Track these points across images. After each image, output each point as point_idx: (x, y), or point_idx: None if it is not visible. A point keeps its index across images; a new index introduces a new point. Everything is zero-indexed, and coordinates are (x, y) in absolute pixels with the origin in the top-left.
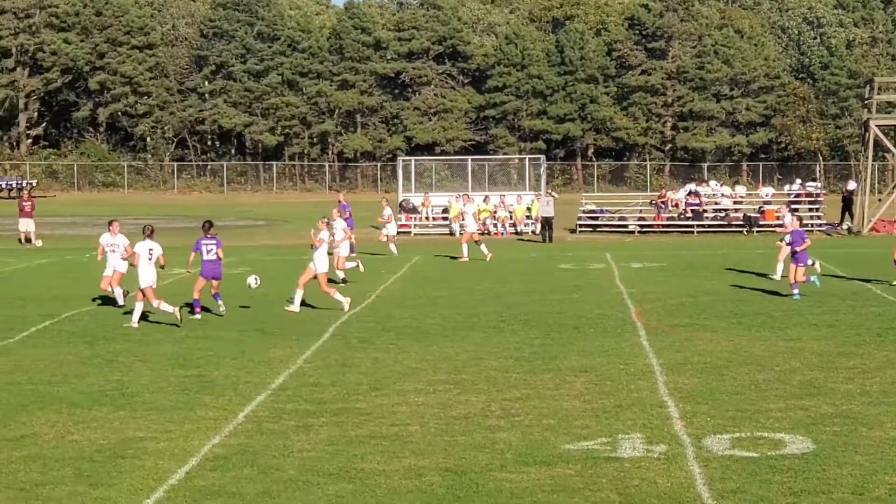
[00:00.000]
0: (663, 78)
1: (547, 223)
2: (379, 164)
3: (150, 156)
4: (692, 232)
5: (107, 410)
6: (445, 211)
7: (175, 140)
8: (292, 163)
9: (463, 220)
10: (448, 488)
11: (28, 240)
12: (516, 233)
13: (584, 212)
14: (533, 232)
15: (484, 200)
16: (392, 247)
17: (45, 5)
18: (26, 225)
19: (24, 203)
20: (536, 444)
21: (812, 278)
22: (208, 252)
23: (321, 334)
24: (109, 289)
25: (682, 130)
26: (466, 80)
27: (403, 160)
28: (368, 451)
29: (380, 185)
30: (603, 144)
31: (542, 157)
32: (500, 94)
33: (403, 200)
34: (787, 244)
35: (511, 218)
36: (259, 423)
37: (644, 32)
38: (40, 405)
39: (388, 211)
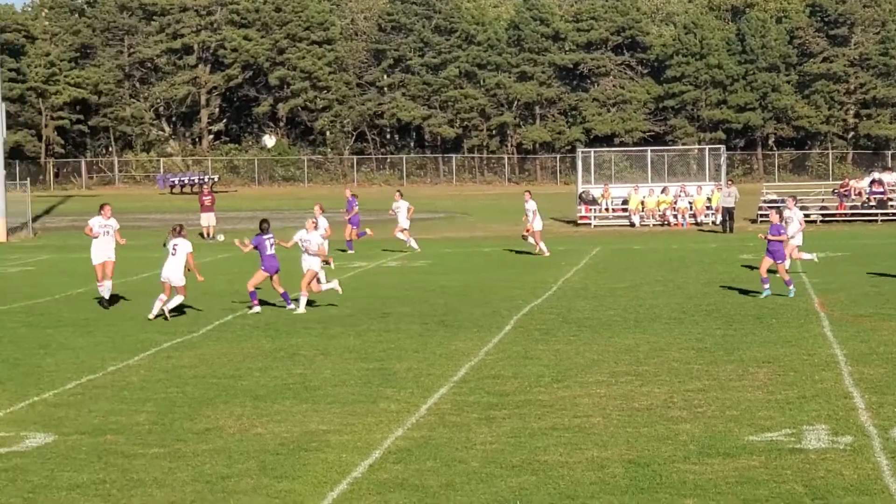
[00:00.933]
0: (846, 65)
1: (728, 213)
2: (558, 156)
3: (329, 150)
4: (876, 221)
5: (290, 404)
6: (625, 202)
7: (354, 134)
8: (471, 155)
9: (528, 217)
10: (631, 480)
11: (209, 234)
12: (696, 223)
13: (764, 201)
14: (713, 222)
15: (662, 191)
16: (405, 238)
17: (226, 2)
18: (207, 220)
19: (205, 198)
20: (720, 435)
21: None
22: (271, 247)
23: (502, 326)
24: (101, 285)
25: (865, 118)
26: (645, 71)
27: (583, 152)
28: (551, 442)
29: (559, 176)
30: (784, 133)
31: (722, 147)
32: (679, 84)
33: (583, 192)
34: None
35: (691, 208)
36: (441, 415)
37: (826, 19)
38: (225, 399)
39: (400, 205)
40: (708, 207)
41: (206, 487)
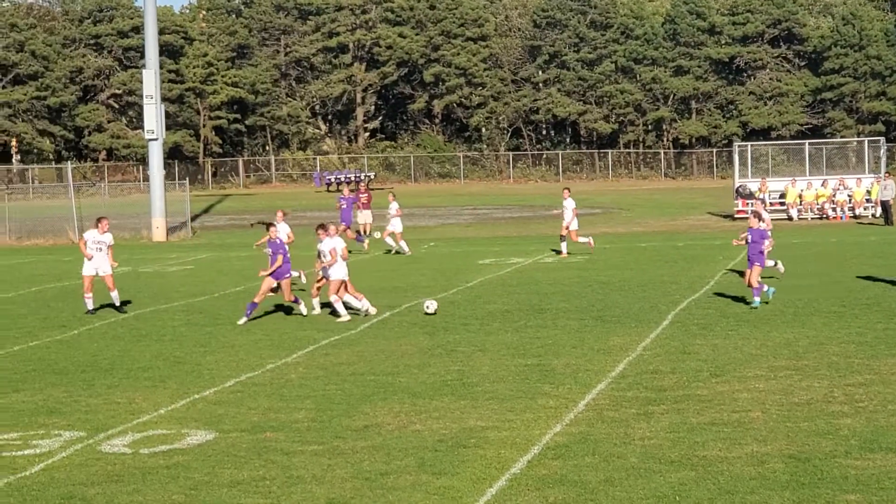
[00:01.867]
0: None
1: (885, 206)
2: (714, 150)
3: (485, 146)
4: None
5: (448, 400)
6: (783, 196)
7: (510, 130)
8: (627, 150)
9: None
10: (791, 475)
11: (366, 232)
12: (855, 216)
13: None
14: (872, 215)
15: (822, 185)
16: (389, 240)
17: (380, 0)
18: (364, 217)
19: (361, 195)
20: (882, 430)
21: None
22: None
23: (660, 321)
24: (87, 297)
25: None
26: (802, 63)
27: (739, 145)
28: (710, 438)
29: (715, 171)
30: None
31: (882, 139)
32: (837, 76)
33: (740, 186)
34: (747, 242)
35: (850, 201)
36: (600, 411)
37: None
38: (383, 395)
39: (394, 206)
40: (867, 200)
41: (365, 484)
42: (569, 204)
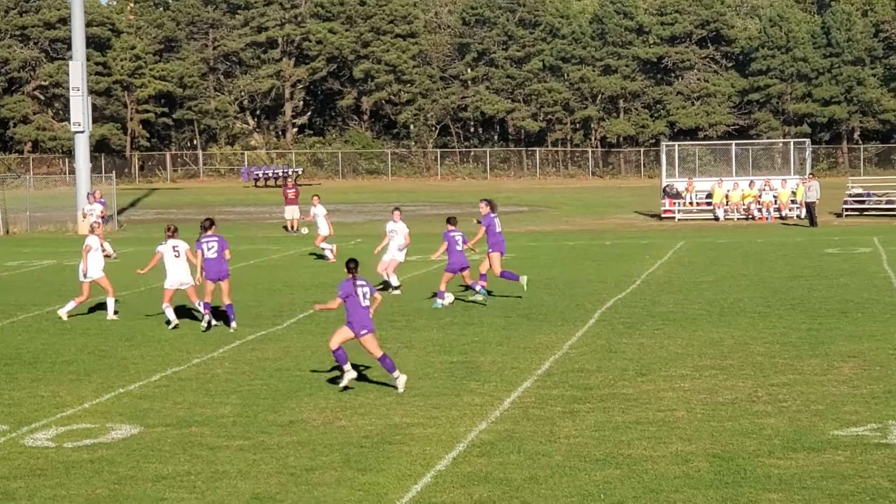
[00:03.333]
0: None
1: (810, 208)
2: (642, 150)
3: (413, 143)
4: None
5: (374, 396)
6: (709, 196)
7: (438, 127)
8: (555, 148)
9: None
10: (716, 474)
11: (293, 227)
12: (781, 217)
13: (850, 195)
14: (798, 216)
15: (749, 185)
16: (326, 247)
17: None
18: (292, 213)
19: (289, 191)
20: (804, 429)
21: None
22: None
23: (586, 320)
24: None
25: None
26: (730, 64)
27: (667, 145)
28: (635, 436)
29: (643, 170)
30: (870, 127)
31: (807, 141)
32: (765, 77)
33: (667, 186)
34: None
35: (776, 202)
36: (525, 408)
37: None
38: (309, 391)
39: (316, 210)
40: (793, 201)
41: (291, 479)
42: (319, 211)
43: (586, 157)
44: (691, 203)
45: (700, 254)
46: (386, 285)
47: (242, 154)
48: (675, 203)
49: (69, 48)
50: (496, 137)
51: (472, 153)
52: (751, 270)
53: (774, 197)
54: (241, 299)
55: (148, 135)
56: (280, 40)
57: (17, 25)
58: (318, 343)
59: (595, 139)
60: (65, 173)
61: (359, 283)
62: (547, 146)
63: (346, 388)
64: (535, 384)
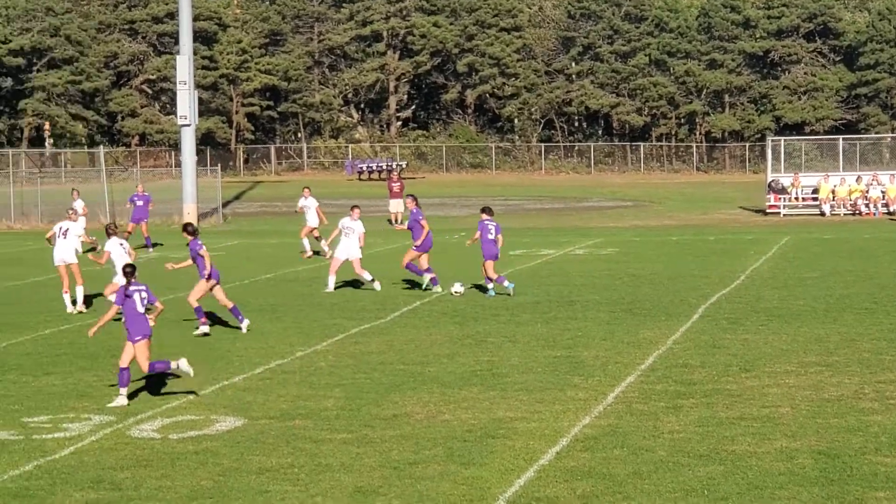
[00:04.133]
0: None
1: None
2: (747, 145)
3: (517, 137)
4: None
5: (477, 391)
6: (815, 191)
7: (542, 121)
8: (659, 143)
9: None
10: (821, 471)
11: (397, 220)
12: (888, 213)
13: None
14: None
15: (856, 180)
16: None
17: None
18: (396, 206)
19: (394, 184)
20: None
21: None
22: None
23: (690, 315)
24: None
25: None
26: (837, 58)
27: (773, 140)
28: (739, 432)
29: (748, 165)
30: None
31: None
32: (873, 71)
33: (773, 181)
34: None
35: (883, 198)
36: (629, 403)
37: None
38: (412, 385)
39: (306, 202)
40: None
41: (394, 473)
42: (310, 203)
43: (691, 151)
44: (797, 198)
45: (805, 249)
46: (359, 283)
47: (346, 147)
48: (780, 198)
49: (176, 42)
50: (600, 132)
51: (577, 148)
52: (857, 266)
53: (882, 192)
54: (346, 293)
55: (253, 128)
56: (385, 34)
57: (125, 20)
58: (422, 337)
59: (700, 134)
60: (171, 166)
61: (134, 288)
62: (651, 141)
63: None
64: (638, 379)
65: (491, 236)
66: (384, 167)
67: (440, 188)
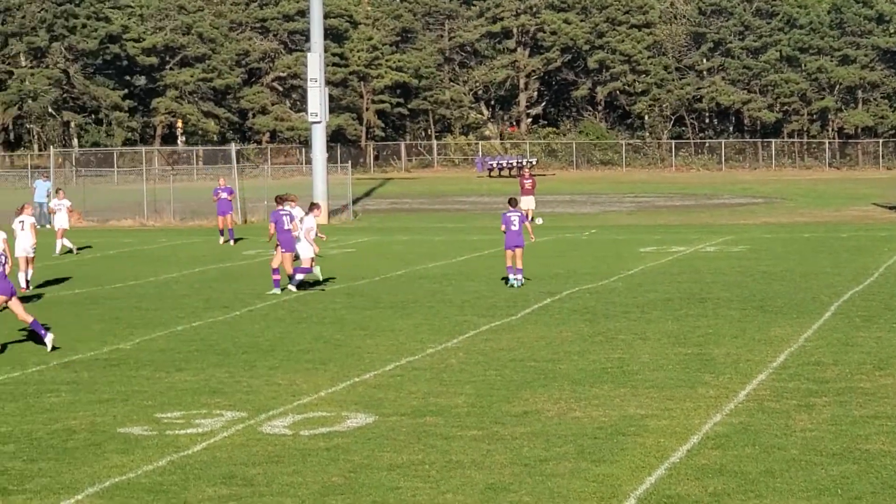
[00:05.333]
0: None
1: None
2: (881, 141)
3: (647, 134)
4: None
5: (608, 388)
6: None
7: (672, 118)
8: (791, 140)
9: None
10: None
11: (528, 217)
12: None
13: None
14: None
15: None
16: (65, 242)
17: None
18: (527, 203)
19: (525, 181)
20: None
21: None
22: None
23: (822, 313)
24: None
25: None
26: None
27: None
28: (873, 431)
29: (881, 161)
30: None
31: None
32: None
33: None
34: None
35: None
36: (760, 401)
37: None
38: (543, 382)
39: (56, 202)
40: None
41: (524, 470)
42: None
43: (823, 148)
44: None
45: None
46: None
47: (476, 144)
48: None
49: (307, 40)
50: (731, 128)
51: (707, 144)
52: None
53: None
54: (476, 289)
55: (383, 125)
56: (515, 30)
57: (257, 18)
58: (552, 334)
59: (832, 130)
60: (301, 163)
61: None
62: (783, 137)
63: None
64: (769, 377)
65: (514, 227)
66: (514, 164)
67: (570, 185)
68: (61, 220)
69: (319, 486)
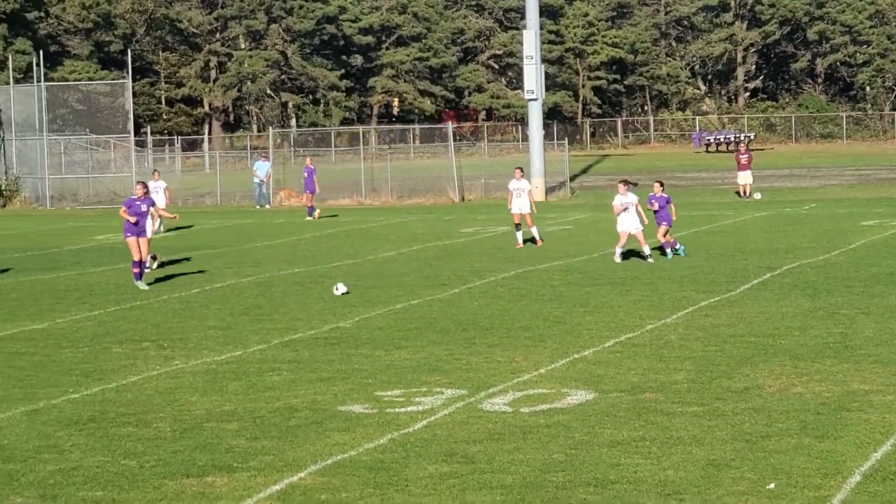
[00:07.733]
0: None
1: None
2: None
3: (869, 105)
4: None
5: (830, 363)
6: None
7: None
8: None
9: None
10: None
11: (745, 193)
12: None
13: None
14: None
15: None
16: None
17: None
18: (744, 178)
19: (742, 156)
20: None
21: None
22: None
23: None
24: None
25: None
26: None
27: None
28: None
29: None
30: None
31: None
32: None
33: None
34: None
35: None
36: None
37: None
38: (763, 357)
39: (153, 184)
40: None
41: (746, 446)
42: (525, 185)
43: None
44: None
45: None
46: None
47: (693, 119)
48: None
49: (522, 17)
50: None
51: None
52: None
53: None
54: (696, 265)
55: (599, 101)
56: (732, 4)
57: None
58: (772, 309)
59: None
60: (517, 140)
61: None
62: None
63: None
64: None
65: (653, 207)
66: (732, 139)
67: (789, 159)
68: (158, 201)
69: (540, 462)
